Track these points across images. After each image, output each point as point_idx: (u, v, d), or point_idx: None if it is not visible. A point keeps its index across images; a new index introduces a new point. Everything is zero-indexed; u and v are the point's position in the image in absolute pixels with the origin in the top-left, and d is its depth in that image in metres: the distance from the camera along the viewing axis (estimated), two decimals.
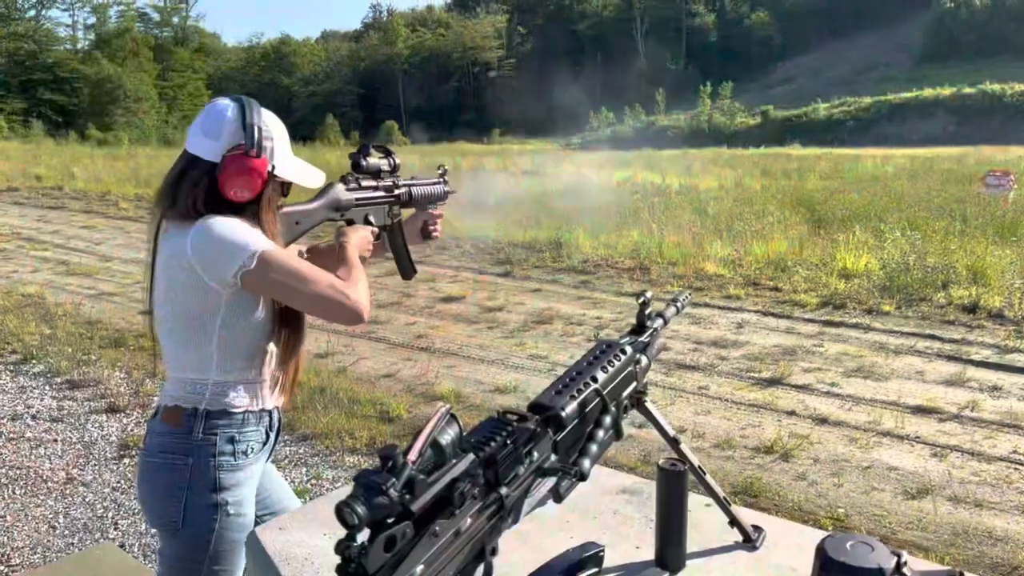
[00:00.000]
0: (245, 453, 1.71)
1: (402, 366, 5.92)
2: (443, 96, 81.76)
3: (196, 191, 1.62)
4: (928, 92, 50.55)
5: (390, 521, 0.77)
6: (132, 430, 4.65)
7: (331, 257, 1.77)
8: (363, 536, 0.77)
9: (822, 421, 4.76)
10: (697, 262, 8.99)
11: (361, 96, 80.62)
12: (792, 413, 4.90)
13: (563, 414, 1.04)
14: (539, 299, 7.97)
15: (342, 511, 0.74)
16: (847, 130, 49.31)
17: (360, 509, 0.74)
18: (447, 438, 0.85)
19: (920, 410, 4.87)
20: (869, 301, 7.31)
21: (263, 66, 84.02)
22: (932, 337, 6.34)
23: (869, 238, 9.58)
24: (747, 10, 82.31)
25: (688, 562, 1.25)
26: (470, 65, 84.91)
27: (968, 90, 48.43)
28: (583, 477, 1.01)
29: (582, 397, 1.07)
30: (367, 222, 1.93)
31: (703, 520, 1.41)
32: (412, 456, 0.80)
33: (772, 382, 5.44)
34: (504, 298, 7.97)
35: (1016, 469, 4.09)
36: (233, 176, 1.59)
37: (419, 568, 0.81)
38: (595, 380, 1.10)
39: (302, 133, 51.32)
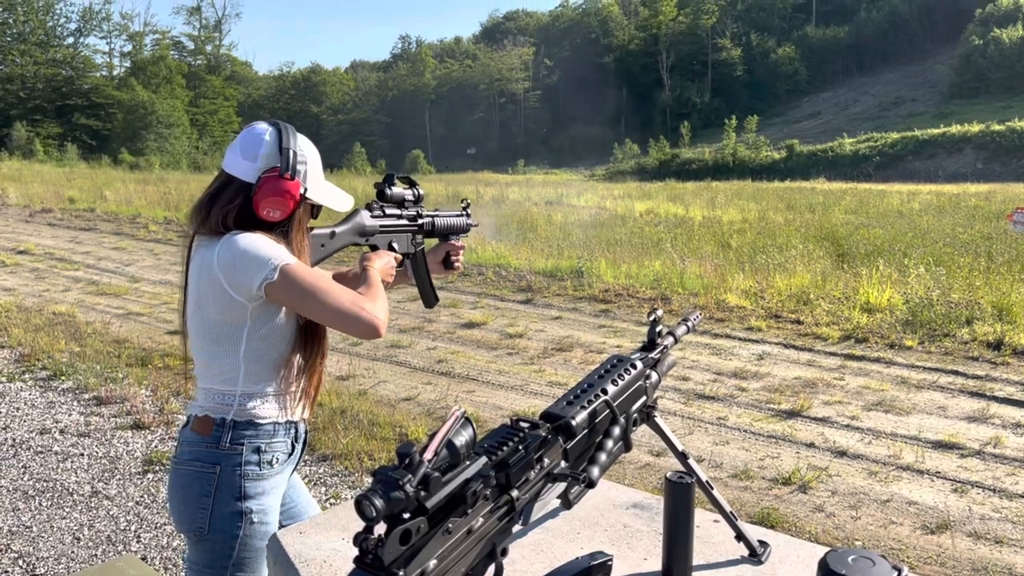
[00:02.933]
0: (271, 463, 1.76)
1: (422, 390, 5.97)
2: (469, 126, 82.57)
3: (229, 208, 1.69)
4: (956, 129, 50.11)
5: (406, 516, 0.81)
6: (156, 446, 4.72)
7: (356, 284, 1.83)
8: (380, 530, 0.82)
9: (841, 454, 4.73)
10: (719, 293, 8.98)
11: (388, 125, 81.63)
12: (811, 445, 4.88)
13: (573, 423, 1.08)
14: (559, 327, 8.00)
15: (361, 503, 0.79)
16: (873, 165, 48.93)
17: (378, 502, 0.78)
18: (461, 440, 0.89)
19: (941, 445, 4.83)
20: (892, 336, 7.26)
21: (293, 94, 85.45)
22: (955, 373, 6.28)
23: (893, 273, 9.52)
24: (773, 45, 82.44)
25: (694, 574, 1.28)
26: (496, 96, 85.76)
27: (997, 127, 47.90)
28: (592, 484, 1.05)
29: (592, 408, 1.12)
30: (391, 248, 2.00)
31: (711, 534, 1.44)
32: (428, 455, 0.85)
33: (791, 414, 5.42)
34: (525, 325, 8.00)
35: None
36: (267, 196, 1.67)
37: (432, 563, 0.85)
38: (605, 392, 1.15)
39: (330, 161, 51.57)
